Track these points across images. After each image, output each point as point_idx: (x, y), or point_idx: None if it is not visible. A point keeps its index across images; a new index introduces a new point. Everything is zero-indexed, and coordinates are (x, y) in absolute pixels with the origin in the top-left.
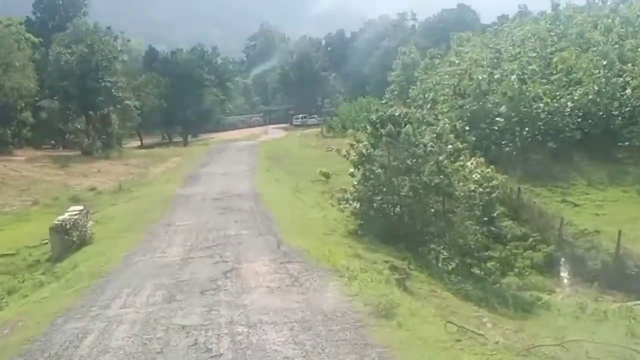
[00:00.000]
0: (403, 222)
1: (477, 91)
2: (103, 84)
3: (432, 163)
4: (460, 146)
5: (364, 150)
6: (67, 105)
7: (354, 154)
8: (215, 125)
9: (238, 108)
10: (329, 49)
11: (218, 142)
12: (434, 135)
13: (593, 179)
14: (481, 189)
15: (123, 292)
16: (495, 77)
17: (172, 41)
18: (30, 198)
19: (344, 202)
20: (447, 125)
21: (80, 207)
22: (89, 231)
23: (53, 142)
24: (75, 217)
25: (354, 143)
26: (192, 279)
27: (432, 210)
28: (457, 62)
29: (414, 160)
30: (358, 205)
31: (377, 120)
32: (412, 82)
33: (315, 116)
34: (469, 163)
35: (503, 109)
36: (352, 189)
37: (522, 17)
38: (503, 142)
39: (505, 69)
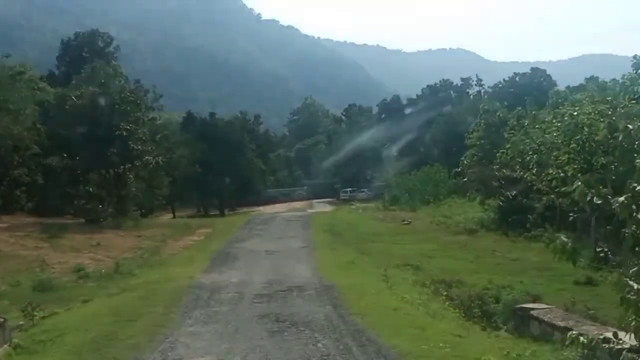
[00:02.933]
0: None
1: (628, 146)
2: (117, 132)
3: None
4: None
5: None
6: (75, 161)
7: None
8: (256, 198)
9: (280, 180)
10: (382, 116)
11: (259, 214)
12: None
13: None
14: None
15: None
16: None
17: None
18: None
19: None
20: None
21: None
22: None
23: (72, 211)
24: None
25: None
26: None
27: None
28: (575, 113)
29: None
30: None
31: None
32: (497, 145)
33: (365, 190)
34: None
35: None
36: None
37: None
38: None
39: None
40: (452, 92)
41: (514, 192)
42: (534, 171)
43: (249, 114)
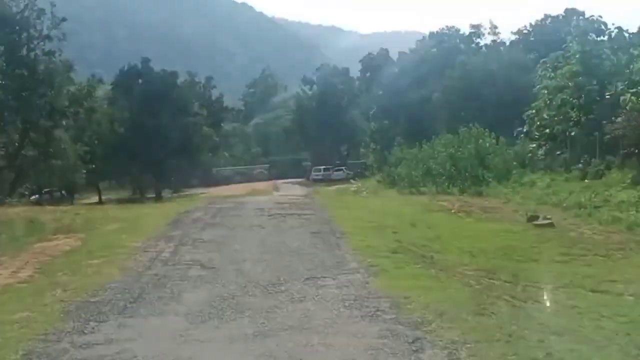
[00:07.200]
0: None
1: None
2: None
3: None
4: None
5: None
6: None
7: None
8: (206, 177)
9: (235, 157)
10: (367, 74)
11: (211, 199)
12: None
13: None
14: None
15: None
16: None
17: None
18: None
19: None
20: None
21: None
22: None
23: None
24: None
25: None
26: None
27: None
28: None
29: None
30: None
31: None
32: (603, 83)
33: (343, 168)
34: None
35: None
36: None
37: None
38: None
39: None
40: (459, 42)
41: None
42: None
43: (198, 76)
